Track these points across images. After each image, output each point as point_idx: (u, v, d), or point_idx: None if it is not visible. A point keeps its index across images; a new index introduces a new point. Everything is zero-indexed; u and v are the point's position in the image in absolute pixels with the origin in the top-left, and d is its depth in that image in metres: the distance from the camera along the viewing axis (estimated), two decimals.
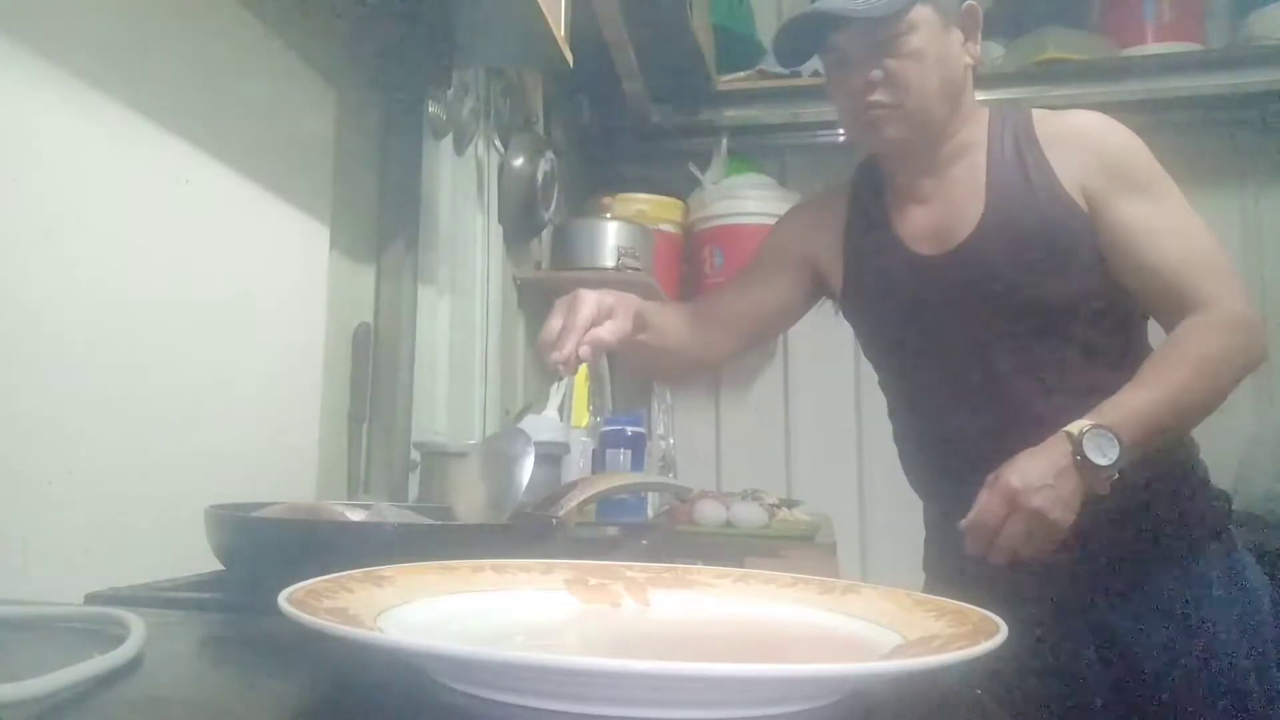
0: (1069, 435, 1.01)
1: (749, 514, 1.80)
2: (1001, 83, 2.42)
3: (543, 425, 1.58)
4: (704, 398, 2.85)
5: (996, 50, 2.55)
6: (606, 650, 0.55)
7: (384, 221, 1.46)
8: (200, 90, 1.01)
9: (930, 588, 1.22)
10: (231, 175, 1.06)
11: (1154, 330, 1.18)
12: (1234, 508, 1.22)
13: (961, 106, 1.21)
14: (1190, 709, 1.10)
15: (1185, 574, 1.13)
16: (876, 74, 1.15)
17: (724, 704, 0.40)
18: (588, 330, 1.05)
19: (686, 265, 2.64)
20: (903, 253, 1.23)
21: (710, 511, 1.79)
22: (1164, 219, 1.12)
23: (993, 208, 1.16)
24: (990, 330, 1.15)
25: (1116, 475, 1.01)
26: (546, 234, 2.18)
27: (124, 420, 0.88)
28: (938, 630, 0.49)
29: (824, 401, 2.70)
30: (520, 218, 1.97)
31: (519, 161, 1.94)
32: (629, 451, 1.83)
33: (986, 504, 1.02)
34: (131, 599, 0.70)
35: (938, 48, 1.15)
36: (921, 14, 1.14)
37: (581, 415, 1.84)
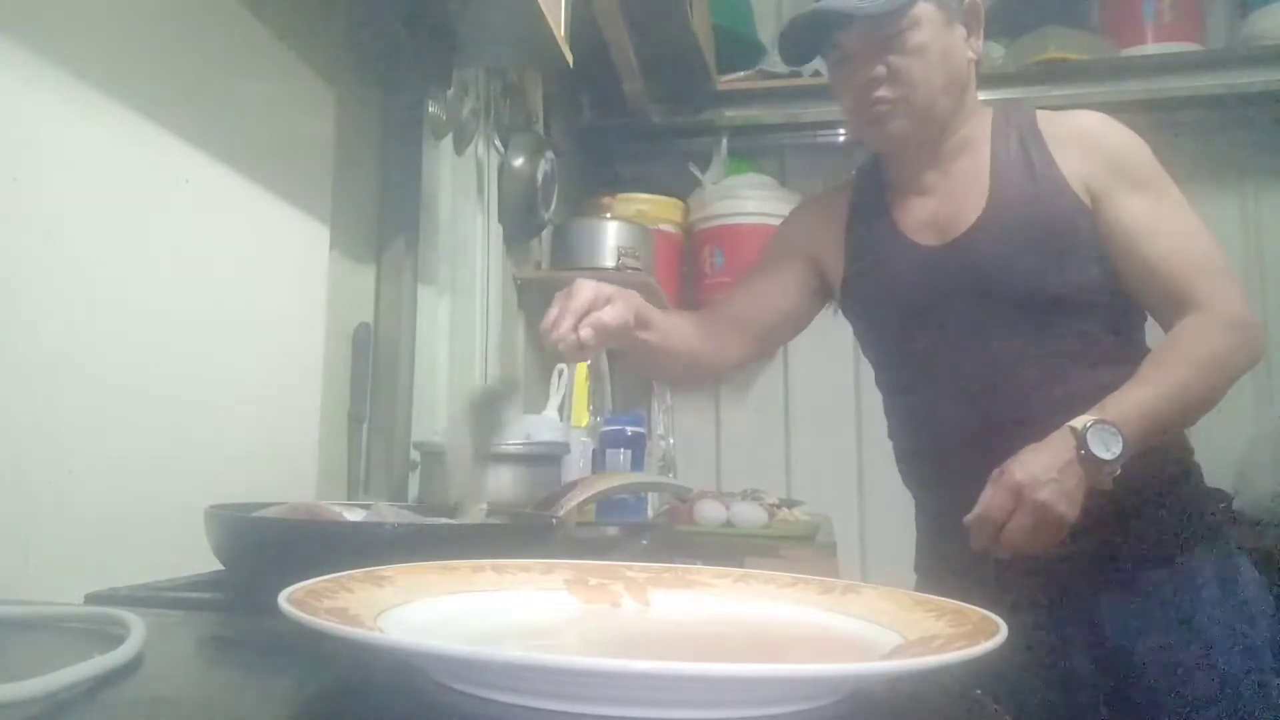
0: (1073, 430, 1.02)
1: (749, 514, 1.80)
2: (1001, 82, 2.42)
3: (543, 425, 1.59)
4: (704, 398, 2.85)
5: (996, 50, 2.55)
6: (606, 650, 0.55)
7: (384, 221, 1.46)
8: (200, 90, 1.01)
9: (922, 589, 1.22)
10: (231, 175, 1.06)
11: (1153, 330, 1.18)
12: (1234, 507, 1.22)
13: (965, 102, 1.21)
14: (1183, 709, 1.09)
15: (1177, 573, 1.13)
16: (880, 70, 1.16)
17: (724, 704, 0.40)
18: (586, 314, 1.06)
19: (686, 265, 2.65)
20: (903, 243, 1.23)
21: (710, 511, 1.79)
22: (1164, 218, 1.13)
23: (995, 200, 1.17)
24: (990, 323, 1.15)
25: (1119, 471, 1.01)
26: (546, 234, 2.18)
27: (124, 420, 0.88)
28: (938, 630, 0.49)
29: (824, 401, 2.70)
30: (520, 218, 1.97)
31: (519, 161, 1.93)
32: (629, 451, 1.83)
33: (992, 498, 1.02)
34: (131, 599, 0.70)
35: (941, 43, 1.16)
36: (924, 10, 1.14)
37: (581, 415, 1.84)
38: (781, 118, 2.66)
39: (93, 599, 0.69)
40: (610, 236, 2.13)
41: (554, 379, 1.68)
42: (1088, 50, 2.54)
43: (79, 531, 0.81)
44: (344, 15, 1.37)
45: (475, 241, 1.83)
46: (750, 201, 2.57)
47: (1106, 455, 1.00)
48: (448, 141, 1.64)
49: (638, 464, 1.84)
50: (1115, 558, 1.13)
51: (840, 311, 1.36)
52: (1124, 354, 1.14)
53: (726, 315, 1.36)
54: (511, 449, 1.38)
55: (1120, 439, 1.00)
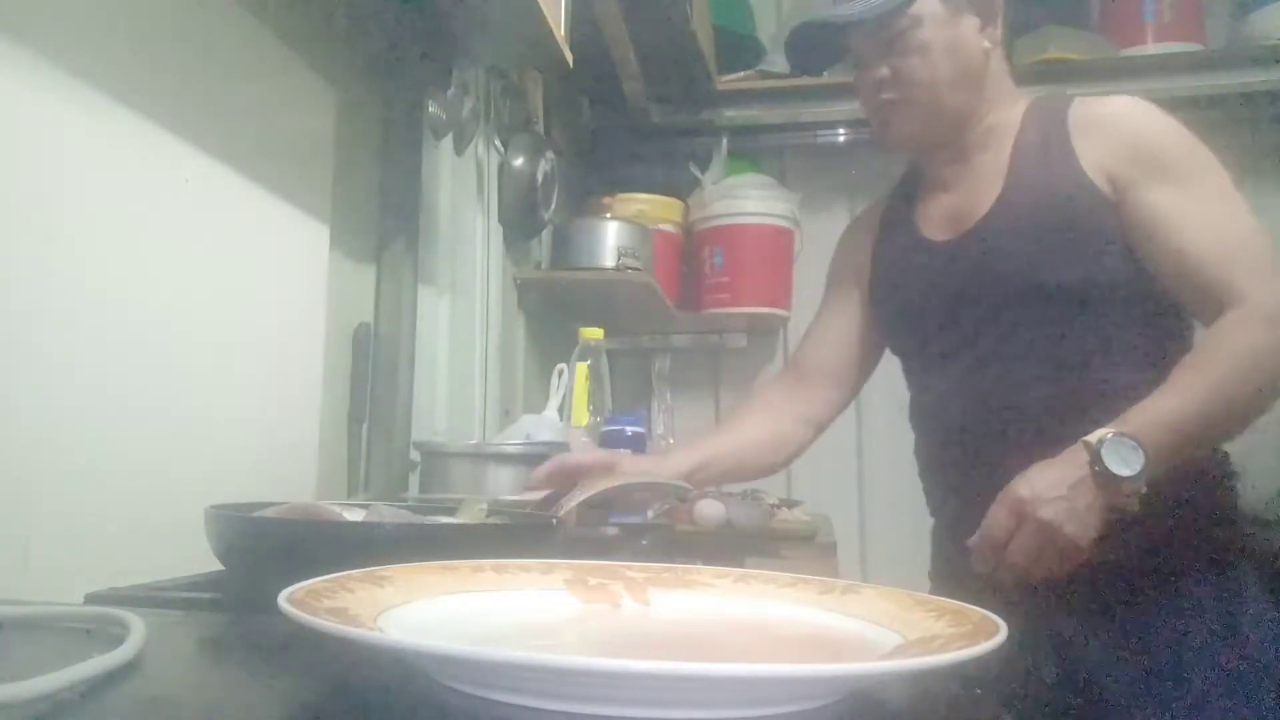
0: (1087, 444, 0.93)
1: (749, 514, 1.80)
2: None
3: (543, 425, 1.58)
4: (704, 398, 2.85)
5: None
6: (606, 650, 0.55)
7: (384, 221, 1.46)
8: (200, 90, 1.01)
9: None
10: (231, 175, 1.06)
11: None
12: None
13: (985, 92, 1.18)
14: None
15: (1207, 598, 1.04)
16: (884, 72, 1.15)
17: (724, 704, 0.40)
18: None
19: (686, 265, 2.64)
20: (918, 240, 1.22)
21: (710, 511, 1.79)
22: (1194, 206, 1.04)
23: (1009, 192, 1.13)
24: (1005, 318, 1.11)
25: (1143, 489, 0.92)
26: (546, 234, 2.18)
27: (124, 420, 0.88)
28: (938, 630, 0.49)
29: None
30: (520, 218, 1.97)
31: (519, 161, 1.93)
32: (629, 451, 1.83)
33: (993, 516, 0.95)
34: (131, 599, 0.70)
35: (946, 38, 1.14)
36: (925, 7, 1.13)
37: (581, 415, 1.84)
38: (781, 118, 2.66)
39: (93, 599, 0.69)
40: (610, 236, 2.13)
41: (554, 379, 1.67)
42: (1088, 50, 2.54)
43: (79, 531, 0.81)
44: (344, 15, 1.37)
45: (475, 241, 1.83)
46: (750, 201, 2.57)
47: (1124, 471, 0.90)
48: (448, 141, 1.64)
49: None
50: (1132, 571, 1.04)
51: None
52: (1156, 356, 1.05)
53: (808, 372, 1.35)
54: (511, 449, 1.38)
55: (1141, 453, 0.90)
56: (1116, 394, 1.00)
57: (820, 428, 1.36)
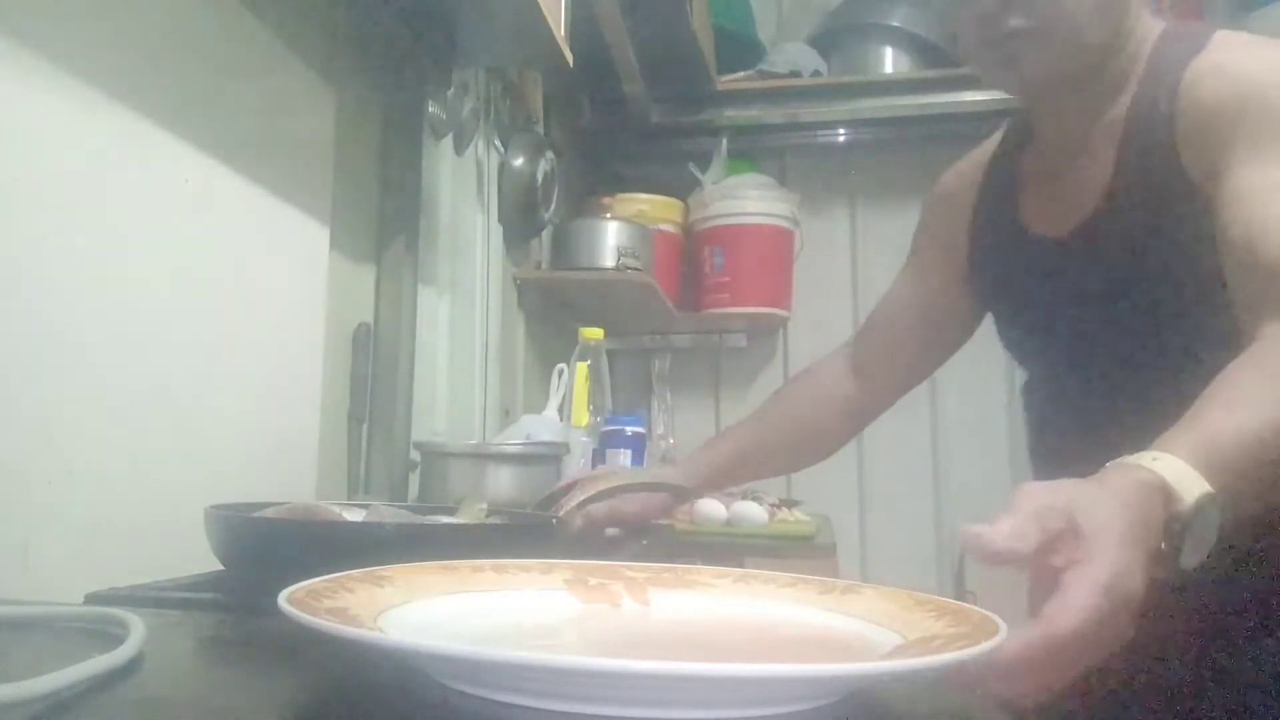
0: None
1: (749, 514, 1.80)
2: None
3: (543, 425, 1.59)
4: (704, 398, 2.85)
5: None
6: (606, 650, 0.55)
7: (384, 221, 1.46)
8: (200, 90, 1.01)
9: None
10: (231, 175, 1.06)
11: None
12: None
13: (1122, 29, 0.93)
14: None
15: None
16: None
17: (724, 704, 0.40)
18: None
19: (686, 265, 2.65)
20: (1022, 232, 1.06)
21: (710, 511, 1.79)
22: (1262, 179, 0.81)
23: (1116, 186, 0.94)
24: (1124, 313, 0.96)
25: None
26: (546, 234, 2.19)
27: (124, 420, 0.88)
28: (938, 630, 0.49)
29: None
30: (520, 218, 1.97)
31: (519, 161, 1.94)
32: (629, 451, 1.83)
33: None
34: (131, 599, 0.70)
35: None
36: None
37: (581, 415, 1.84)
38: (781, 118, 2.66)
39: (93, 599, 0.69)
40: (610, 236, 2.13)
41: (554, 379, 1.68)
42: None
43: (79, 531, 0.81)
44: (344, 15, 1.37)
45: (475, 241, 1.83)
46: (750, 201, 2.57)
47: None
48: (448, 141, 1.64)
49: (637, 464, 1.85)
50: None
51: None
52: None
53: (875, 356, 1.23)
54: (511, 449, 1.38)
55: (1217, 515, 0.61)
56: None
57: (870, 419, 1.28)
